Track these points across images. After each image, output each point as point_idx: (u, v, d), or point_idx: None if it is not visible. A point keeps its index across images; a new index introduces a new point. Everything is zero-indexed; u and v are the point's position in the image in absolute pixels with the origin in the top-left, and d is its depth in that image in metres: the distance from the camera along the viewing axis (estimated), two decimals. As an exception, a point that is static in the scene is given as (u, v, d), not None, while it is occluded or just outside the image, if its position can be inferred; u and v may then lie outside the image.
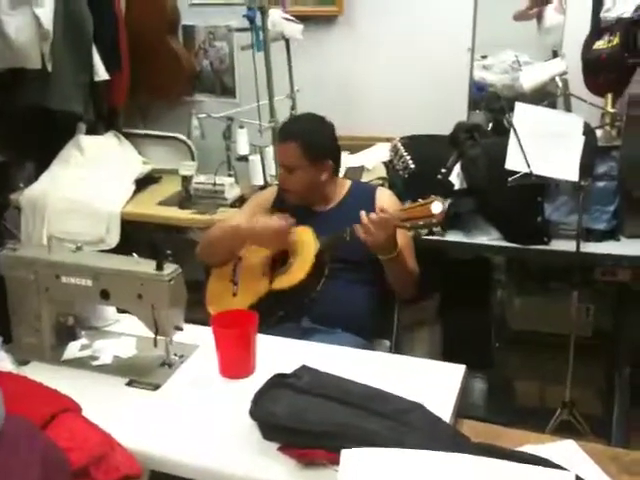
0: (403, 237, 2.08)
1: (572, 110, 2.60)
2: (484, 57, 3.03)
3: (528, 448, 1.38)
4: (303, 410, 1.32)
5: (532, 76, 2.69)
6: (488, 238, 2.45)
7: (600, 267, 2.32)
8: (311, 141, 2.14)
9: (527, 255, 2.41)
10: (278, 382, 1.42)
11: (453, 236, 2.48)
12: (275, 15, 2.80)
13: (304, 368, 1.45)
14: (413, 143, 2.65)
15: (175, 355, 1.67)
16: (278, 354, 1.68)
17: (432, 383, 1.55)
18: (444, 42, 2.95)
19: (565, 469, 1.15)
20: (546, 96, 2.68)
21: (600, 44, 2.49)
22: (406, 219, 1.88)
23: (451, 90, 2.95)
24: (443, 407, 1.44)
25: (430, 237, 2.39)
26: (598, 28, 2.54)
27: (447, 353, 2.72)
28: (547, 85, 2.70)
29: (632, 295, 2.43)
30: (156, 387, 1.58)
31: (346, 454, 1.15)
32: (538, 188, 2.32)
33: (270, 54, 2.75)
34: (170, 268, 1.57)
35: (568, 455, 1.41)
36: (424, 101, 3.00)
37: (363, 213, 1.91)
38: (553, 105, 2.64)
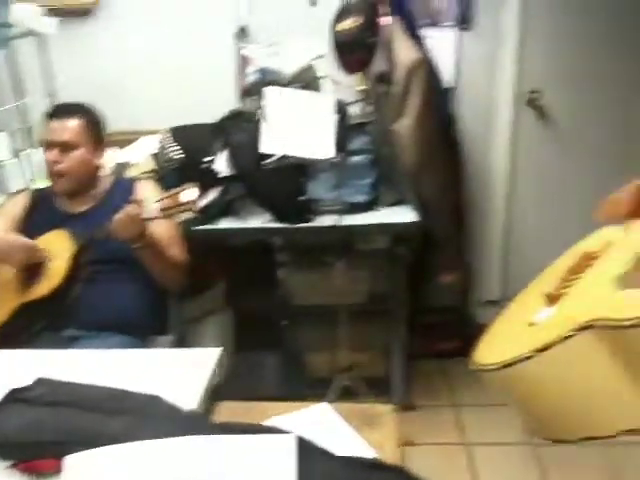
0: (166, 226, 2.07)
1: (335, 90, 2.71)
2: (252, 44, 3.03)
3: (280, 418, 1.43)
4: (35, 422, 1.26)
5: (292, 62, 2.77)
6: (261, 221, 2.49)
7: (360, 237, 2.46)
8: (94, 119, 2.16)
9: (296, 234, 2.49)
10: (12, 397, 1.35)
11: (227, 223, 2.50)
12: (22, 10, 2.63)
13: (39, 380, 1.39)
14: (181, 133, 2.63)
15: None
16: (31, 368, 1.58)
17: (183, 372, 1.55)
18: (210, 27, 2.94)
19: (288, 432, 1.20)
20: (308, 79, 2.77)
21: (346, 24, 2.60)
22: (164, 209, 1.87)
23: (221, 78, 2.95)
24: (193, 394, 1.44)
25: (202, 227, 2.40)
26: (345, 9, 2.66)
27: (239, 338, 2.76)
28: (309, 69, 2.78)
29: (396, 260, 2.59)
30: None
31: (69, 460, 1.12)
32: (299, 168, 2.40)
33: (17, 52, 2.59)
34: None
35: (321, 418, 1.50)
36: (193, 90, 2.97)
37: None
38: (316, 87, 2.73)
